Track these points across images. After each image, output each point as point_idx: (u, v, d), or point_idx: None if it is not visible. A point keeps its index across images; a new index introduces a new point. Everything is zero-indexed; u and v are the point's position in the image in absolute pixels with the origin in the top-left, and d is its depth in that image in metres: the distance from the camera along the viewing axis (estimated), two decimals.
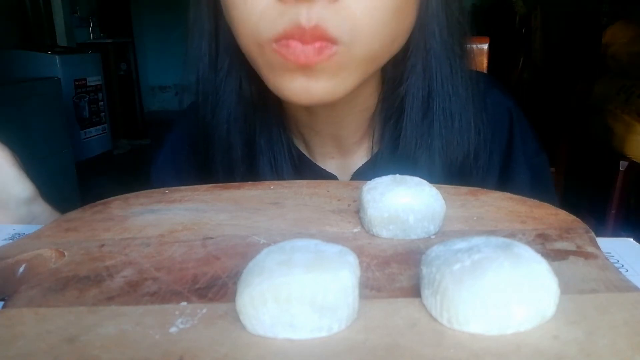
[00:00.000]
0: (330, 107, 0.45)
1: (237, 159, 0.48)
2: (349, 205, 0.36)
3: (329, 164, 0.51)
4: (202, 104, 0.48)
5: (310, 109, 0.46)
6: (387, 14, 0.37)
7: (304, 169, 0.50)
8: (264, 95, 0.46)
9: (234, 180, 0.45)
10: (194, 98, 0.49)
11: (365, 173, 0.49)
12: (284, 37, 0.35)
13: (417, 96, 0.45)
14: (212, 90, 0.47)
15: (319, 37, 0.35)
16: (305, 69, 0.36)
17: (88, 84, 3.29)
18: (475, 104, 0.46)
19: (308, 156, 0.51)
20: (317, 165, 0.51)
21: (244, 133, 0.47)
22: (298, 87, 0.38)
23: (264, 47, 0.36)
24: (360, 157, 0.51)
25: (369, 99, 0.47)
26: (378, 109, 0.48)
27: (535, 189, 0.51)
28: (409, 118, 0.45)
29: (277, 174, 0.48)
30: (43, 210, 0.48)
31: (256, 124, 0.48)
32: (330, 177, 0.51)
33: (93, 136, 3.37)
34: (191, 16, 0.47)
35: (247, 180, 0.43)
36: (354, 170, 0.51)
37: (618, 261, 0.32)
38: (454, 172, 0.46)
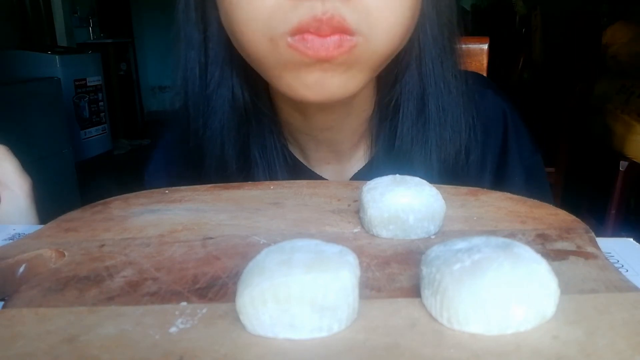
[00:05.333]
0: (328, 110, 0.44)
1: (232, 172, 0.47)
2: (349, 205, 0.36)
3: (325, 170, 0.51)
4: (193, 117, 0.47)
5: (306, 114, 0.45)
6: (402, 5, 0.36)
7: (300, 176, 0.50)
8: (257, 102, 0.46)
9: None
10: (184, 110, 0.48)
11: (363, 177, 0.49)
12: (299, 31, 0.34)
13: (412, 94, 0.45)
14: (203, 102, 0.46)
15: (337, 28, 0.34)
16: (324, 62, 0.35)
17: (88, 84, 3.29)
18: (465, 100, 0.46)
19: (304, 162, 0.51)
20: (314, 172, 0.51)
21: (238, 145, 0.46)
22: (312, 82, 0.36)
23: (277, 42, 0.35)
24: (357, 162, 0.51)
25: (366, 102, 0.47)
26: (374, 112, 0.48)
27: (531, 189, 0.51)
28: (405, 117, 0.45)
29: None
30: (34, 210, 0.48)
31: (249, 134, 0.47)
32: None
33: (93, 136, 3.36)
34: (179, 26, 0.45)
35: None
36: (351, 175, 0.50)
37: (618, 261, 0.32)
38: (448, 169, 0.46)
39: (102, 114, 3.43)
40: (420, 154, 0.45)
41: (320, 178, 0.51)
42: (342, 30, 0.34)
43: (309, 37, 0.34)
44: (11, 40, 3.28)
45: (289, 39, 0.34)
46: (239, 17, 0.36)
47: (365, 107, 0.47)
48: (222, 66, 0.45)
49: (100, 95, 3.39)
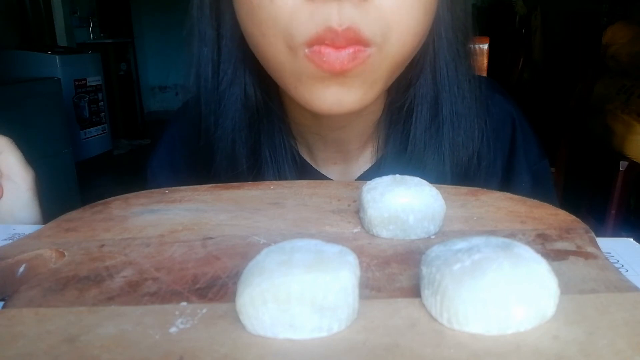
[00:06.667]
0: None
1: (242, 172, 0.47)
2: (349, 205, 0.36)
3: (331, 170, 0.51)
4: (204, 115, 0.47)
5: (316, 115, 0.45)
6: (417, 10, 0.36)
7: (307, 176, 0.50)
8: (267, 101, 0.46)
9: None
10: (195, 107, 0.48)
11: (369, 179, 0.49)
12: (317, 42, 0.34)
13: (426, 99, 0.45)
14: (215, 100, 0.46)
15: (352, 40, 0.34)
16: (339, 76, 0.36)
17: (88, 84, 3.29)
18: (478, 105, 0.46)
19: (311, 163, 0.51)
20: (321, 173, 0.51)
21: (249, 143, 0.47)
22: (330, 98, 0.37)
23: (296, 52, 0.35)
24: (363, 163, 0.51)
25: (376, 104, 0.47)
26: (384, 114, 0.48)
27: (537, 194, 0.51)
28: (418, 121, 0.45)
29: None
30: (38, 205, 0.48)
31: (260, 133, 0.47)
32: None
33: (93, 136, 3.37)
34: (193, 22, 0.46)
35: None
36: (357, 176, 0.50)
37: (618, 261, 0.32)
38: (460, 175, 0.46)
39: (102, 114, 3.43)
40: (432, 158, 0.45)
41: (327, 178, 0.51)
42: (357, 41, 0.34)
43: (326, 50, 0.34)
44: (11, 40, 3.28)
45: (306, 50, 0.35)
46: (259, 18, 0.36)
47: (375, 109, 0.47)
48: (235, 64, 0.45)
49: (100, 95, 3.39)
